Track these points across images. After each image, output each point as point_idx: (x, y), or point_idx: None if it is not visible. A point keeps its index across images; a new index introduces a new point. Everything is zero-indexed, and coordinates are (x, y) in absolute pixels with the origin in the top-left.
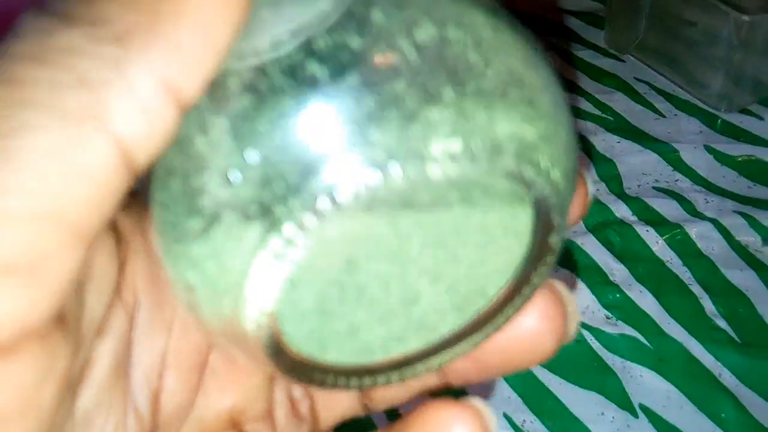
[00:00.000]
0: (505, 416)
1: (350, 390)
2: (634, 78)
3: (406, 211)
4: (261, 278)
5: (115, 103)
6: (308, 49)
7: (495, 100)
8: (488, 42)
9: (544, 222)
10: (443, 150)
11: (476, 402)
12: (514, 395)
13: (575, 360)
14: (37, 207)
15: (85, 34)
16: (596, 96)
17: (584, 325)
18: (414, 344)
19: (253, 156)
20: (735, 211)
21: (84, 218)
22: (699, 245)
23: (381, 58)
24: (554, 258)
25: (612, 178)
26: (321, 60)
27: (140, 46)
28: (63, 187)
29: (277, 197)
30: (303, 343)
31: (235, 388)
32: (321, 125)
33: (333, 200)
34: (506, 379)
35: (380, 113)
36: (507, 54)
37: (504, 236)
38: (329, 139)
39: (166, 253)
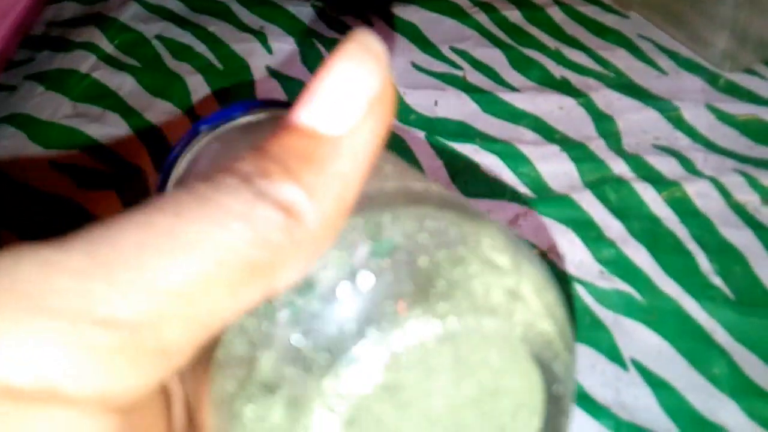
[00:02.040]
0: None
1: None
2: (638, 35)
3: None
4: None
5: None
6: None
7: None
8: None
9: (548, 374)
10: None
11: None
12: None
13: None
14: None
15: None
16: (598, 52)
17: (577, 279)
18: None
19: (300, 339)
20: (735, 170)
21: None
22: (697, 203)
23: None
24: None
25: (611, 135)
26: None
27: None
28: None
29: (321, 375)
30: None
31: None
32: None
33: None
34: None
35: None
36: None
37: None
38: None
39: (218, 410)
